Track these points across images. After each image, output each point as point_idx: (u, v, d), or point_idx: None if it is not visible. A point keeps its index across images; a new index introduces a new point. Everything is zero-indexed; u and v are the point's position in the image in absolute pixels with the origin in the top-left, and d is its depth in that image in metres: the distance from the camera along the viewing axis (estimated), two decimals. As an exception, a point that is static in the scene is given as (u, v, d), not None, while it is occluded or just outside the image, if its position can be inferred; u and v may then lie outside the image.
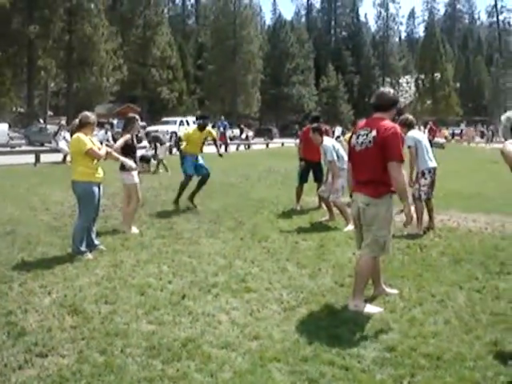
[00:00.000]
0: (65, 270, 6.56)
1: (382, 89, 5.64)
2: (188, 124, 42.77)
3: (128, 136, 8.81)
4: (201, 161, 11.39)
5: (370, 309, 5.29)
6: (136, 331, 4.71)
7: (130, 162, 7.98)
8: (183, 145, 11.35)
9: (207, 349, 4.37)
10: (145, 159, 19.42)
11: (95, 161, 7.36)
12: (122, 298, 5.58)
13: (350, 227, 8.57)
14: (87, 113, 7.51)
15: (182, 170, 11.47)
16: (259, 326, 4.86)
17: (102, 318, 5.00)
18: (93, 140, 7.41)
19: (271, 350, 4.36)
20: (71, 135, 7.52)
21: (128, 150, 8.77)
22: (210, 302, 5.53)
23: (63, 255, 7.26)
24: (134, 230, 8.80)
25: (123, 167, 8.74)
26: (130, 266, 6.75)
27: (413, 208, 6.02)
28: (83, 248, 7.21)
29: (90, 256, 7.14)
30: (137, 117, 9.23)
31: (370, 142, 5.19)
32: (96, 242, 7.57)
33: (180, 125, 42.70)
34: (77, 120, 7.46)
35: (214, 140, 12.06)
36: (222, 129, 36.53)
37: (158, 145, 20.88)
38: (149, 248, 7.73)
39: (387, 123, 5.22)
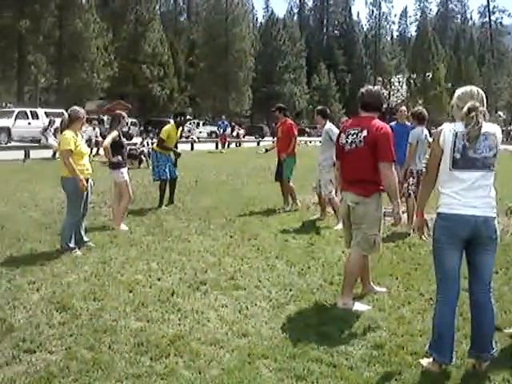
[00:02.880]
0: (53, 266, 6.54)
1: (370, 87, 5.57)
2: (36, 117, 32.27)
3: (115, 133, 8.79)
4: (172, 161, 11.33)
5: (358, 307, 5.31)
6: (124, 328, 4.70)
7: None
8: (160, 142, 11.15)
9: (195, 346, 4.37)
10: (133, 156, 19.43)
11: (84, 157, 7.36)
12: (110, 294, 5.57)
13: (340, 226, 8.60)
14: (76, 107, 7.49)
15: (153, 174, 11.20)
16: (248, 323, 4.87)
17: (90, 315, 4.99)
18: (78, 139, 7.33)
19: (259, 347, 4.37)
20: (61, 131, 7.48)
21: (116, 147, 8.76)
22: (199, 299, 5.53)
23: (52, 252, 7.24)
24: (124, 227, 8.78)
25: (113, 165, 8.76)
26: (119, 263, 6.74)
27: (403, 208, 6.05)
28: (72, 244, 7.19)
29: (78, 252, 7.13)
30: (123, 114, 9.22)
31: (360, 141, 5.18)
32: (85, 238, 7.55)
33: (17, 118, 31.38)
34: (66, 116, 7.42)
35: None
36: (221, 130, 35.72)
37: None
38: (138, 245, 7.72)
39: (378, 123, 5.22)
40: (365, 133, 5.16)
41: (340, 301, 5.37)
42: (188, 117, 14.21)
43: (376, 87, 5.64)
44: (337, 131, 9.24)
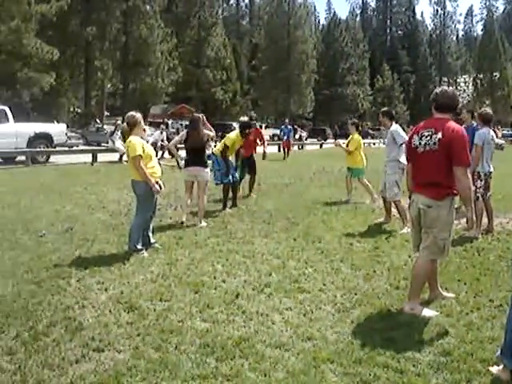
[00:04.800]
0: (121, 267, 6.67)
1: (445, 88, 5.43)
2: None
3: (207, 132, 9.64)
4: (233, 164, 11.53)
5: (425, 312, 5.20)
6: (190, 329, 4.75)
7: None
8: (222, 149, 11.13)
9: (261, 348, 4.37)
10: None
11: (153, 159, 7.48)
12: (176, 295, 5.65)
13: (406, 230, 8.46)
14: (132, 113, 7.54)
15: (215, 178, 11.15)
16: (313, 327, 4.84)
17: (157, 315, 5.07)
18: (144, 143, 7.48)
19: (325, 350, 4.34)
20: (124, 139, 7.62)
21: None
22: (264, 301, 5.53)
23: (119, 252, 7.40)
24: (204, 223, 9.35)
25: (203, 164, 9.47)
26: (184, 265, 6.82)
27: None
28: (139, 246, 7.32)
29: (145, 254, 7.25)
30: (200, 116, 9.79)
31: (434, 143, 5.04)
32: (152, 240, 7.67)
33: None
34: (125, 124, 7.55)
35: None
36: (285, 137, 31.28)
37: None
38: (203, 247, 7.80)
39: (453, 125, 5.06)
40: (439, 135, 5.01)
41: (407, 306, 5.27)
42: (253, 121, 14.15)
43: (450, 88, 5.51)
44: (402, 133, 9.16)
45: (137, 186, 7.41)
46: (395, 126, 9.54)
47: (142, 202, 7.47)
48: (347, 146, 12.53)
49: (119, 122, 27.62)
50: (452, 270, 6.73)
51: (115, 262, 6.87)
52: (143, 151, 7.27)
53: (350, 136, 12.65)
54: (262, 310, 5.25)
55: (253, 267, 6.75)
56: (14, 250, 7.47)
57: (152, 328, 4.76)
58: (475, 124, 9.54)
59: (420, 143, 5.18)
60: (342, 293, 5.82)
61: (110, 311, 5.17)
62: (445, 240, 5.16)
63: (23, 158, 21.87)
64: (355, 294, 5.77)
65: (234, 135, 11.26)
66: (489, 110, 9.24)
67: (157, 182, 7.38)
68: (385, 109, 10.27)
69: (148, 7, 53.70)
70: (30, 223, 9.24)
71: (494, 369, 4.02)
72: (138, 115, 7.56)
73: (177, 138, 10.28)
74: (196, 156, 9.46)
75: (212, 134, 9.91)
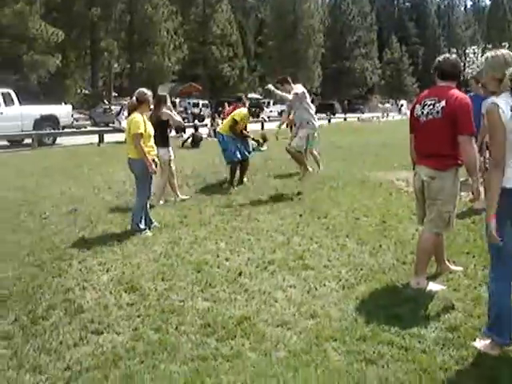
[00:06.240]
0: (124, 247, 6.61)
1: (447, 55, 5.26)
2: None
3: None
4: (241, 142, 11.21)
5: (432, 287, 5.09)
6: (191, 308, 4.68)
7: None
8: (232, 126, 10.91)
9: (262, 327, 4.29)
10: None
11: (151, 140, 7.39)
12: (178, 274, 5.57)
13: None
14: (143, 90, 7.50)
15: (225, 157, 11.15)
16: (316, 304, 4.75)
17: (158, 295, 5.00)
18: (146, 121, 7.40)
19: (328, 328, 4.24)
20: (129, 114, 7.53)
21: (165, 126, 9.41)
22: (267, 279, 5.44)
23: (123, 233, 7.32)
24: (161, 202, 9.31)
25: (163, 143, 9.06)
26: (187, 243, 6.74)
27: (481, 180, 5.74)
28: (142, 225, 7.25)
29: (149, 233, 7.18)
30: (166, 95, 9.77)
31: (437, 112, 4.88)
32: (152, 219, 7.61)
33: None
34: (134, 99, 7.46)
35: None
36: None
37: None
38: (207, 225, 7.71)
39: (457, 93, 4.91)
40: (443, 103, 4.85)
41: (413, 281, 5.16)
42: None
43: (453, 55, 5.34)
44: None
45: (134, 164, 7.33)
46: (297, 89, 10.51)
47: (140, 181, 7.40)
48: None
49: (125, 102, 27.47)
50: (460, 242, 6.60)
51: (118, 242, 6.81)
52: (145, 130, 7.20)
53: None
54: (264, 288, 5.16)
55: (257, 244, 6.66)
56: (18, 232, 7.43)
57: (152, 309, 4.69)
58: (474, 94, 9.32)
59: (422, 112, 5.02)
60: (347, 269, 5.72)
61: (110, 292, 5.11)
62: (450, 212, 5.03)
63: (30, 140, 21.82)
64: (361, 270, 5.67)
65: (243, 112, 11.12)
66: None
67: (153, 161, 7.31)
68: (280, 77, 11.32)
69: (152, -15, 53.12)
70: (34, 205, 9.19)
71: (480, 344, 3.90)
72: (149, 93, 7.52)
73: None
74: (155, 135, 9.35)
75: (170, 114, 9.55)
